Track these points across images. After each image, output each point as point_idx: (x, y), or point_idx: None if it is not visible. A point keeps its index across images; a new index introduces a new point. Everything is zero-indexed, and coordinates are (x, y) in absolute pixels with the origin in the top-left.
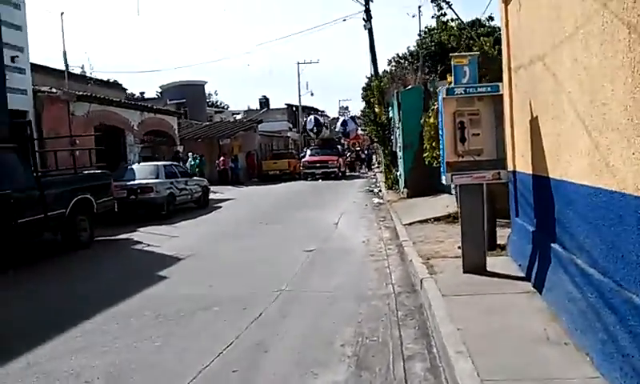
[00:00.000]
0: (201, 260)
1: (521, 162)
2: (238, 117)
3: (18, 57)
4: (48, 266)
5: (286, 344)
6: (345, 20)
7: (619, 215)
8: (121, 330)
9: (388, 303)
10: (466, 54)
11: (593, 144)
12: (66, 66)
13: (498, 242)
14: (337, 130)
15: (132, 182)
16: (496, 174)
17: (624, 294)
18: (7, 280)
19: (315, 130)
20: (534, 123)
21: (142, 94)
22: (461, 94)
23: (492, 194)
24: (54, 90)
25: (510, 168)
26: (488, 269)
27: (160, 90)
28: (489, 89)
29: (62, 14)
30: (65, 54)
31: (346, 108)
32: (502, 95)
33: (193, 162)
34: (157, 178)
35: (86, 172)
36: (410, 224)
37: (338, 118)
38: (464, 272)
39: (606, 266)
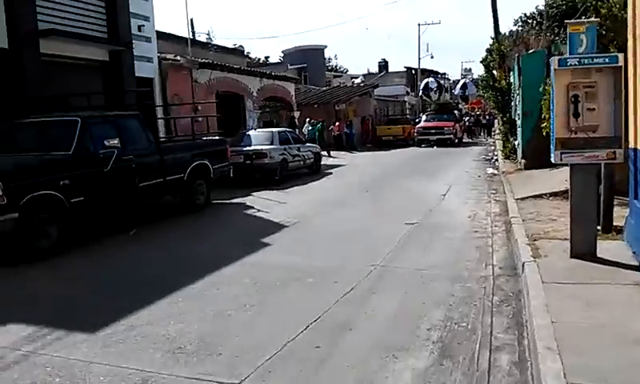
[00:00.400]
0: (303, 228)
1: None
2: (357, 81)
3: (144, 26)
4: (165, 228)
5: (371, 323)
6: None
7: None
8: (219, 296)
9: (484, 286)
10: (583, 20)
11: None
12: (193, 33)
13: (615, 224)
14: (456, 93)
15: (248, 148)
16: (611, 153)
17: None
18: (127, 240)
19: (435, 92)
20: None
21: (266, 58)
22: (574, 65)
23: (612, 170)
24: (178, 58)
25: (632, 144)
26: (599, 254)
27: (282, 55)
28: (606, 60)
29: None
30: (191, 21)
31: (469, 70)
32: (621, 67)
33: (310, 128)
34: (271, 144)
35: (204, 138)
36: (523, 199)
37: (459, 81)
38: (571, 257)
39: None
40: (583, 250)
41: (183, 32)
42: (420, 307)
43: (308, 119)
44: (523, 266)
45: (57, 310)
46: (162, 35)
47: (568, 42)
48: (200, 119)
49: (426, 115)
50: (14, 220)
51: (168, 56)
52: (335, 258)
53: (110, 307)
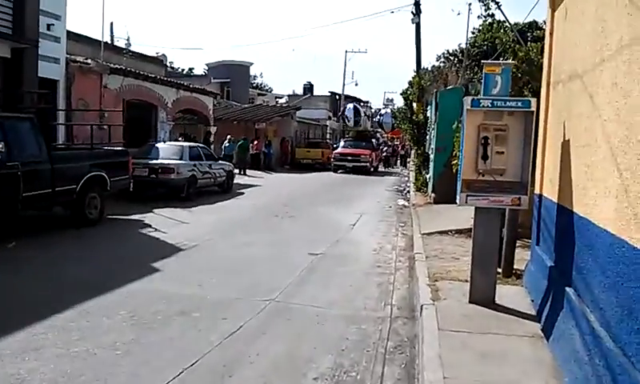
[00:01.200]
0: (201, 253)
1: (548, 187)
2: (281, 101)
3: (53, 24)
4: (49, 243)
5: (254, 369)
6: (392, 12)
7: None
8: (88, 329)
9: (380, 329)
10: (500, 61)
11: (623, 187)
12: (111, 37)
13: (516, 267)
14: (376, 121)
15: (154, 161)
16: (516, 199)
17: (634, 375)
18: (2, 253)
19: (354, 119)
20: (565, 148)
21: (190, 69)
22: (487, 106)
23: (516, 213)
24: (87, 61)
25: (537, 191)
26: (497, 300)
27: (207, 68)
28: (519, 104)
29: None
30: (111, 25)
31: (392, 100)
32: (533, 112)
33: (228, 144)
34: (180, 159)
35: (105, 148)
36: (429, 234)
37: (379, 110)
38: (470, 301)
39: (618, 333)
40: (482, 296)
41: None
42: (310, 352)
43: (229, 136)
44: (421, 309)
45: None
46: (75, 36)
47: (483, 82)
48: (105, 127)
49: (344, 141)
50: None
51: (78, 58)
52: (230, 289)
53: None
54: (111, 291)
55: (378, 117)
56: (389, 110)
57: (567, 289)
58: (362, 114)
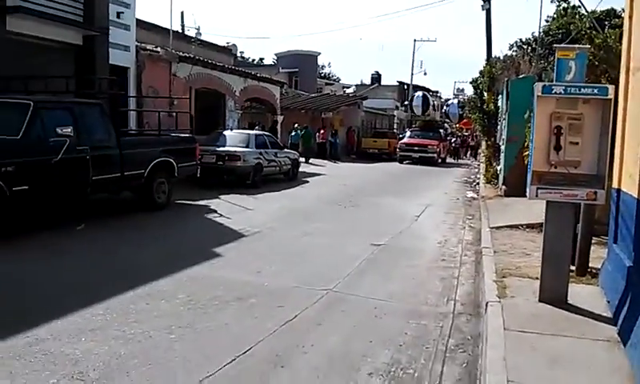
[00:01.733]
0: (263, 240)
1: (627, 181)
2: (349, 90)
3: (123, 12)
4: (116, 226)
5: (307, 360)
6: None
7: None
8: (146, 312)
9: (442, 325)
10: (574, 46)
11: None
12: (182, 27)
13: (591, 265)
14: (444, 111)
15: (221, 149)
16: (592, 193)
17: None
18: (70, 235)
19: (422, 108)
20: None
21: (261, 59)
22: (560, 93)
23: (591, 209)
24: (157, 49)
25: (615, 185)
26: (570, 300)
27: (275, 58)
28: (595, 91)
29: None
30: (181, 14)
31: (462, 90)
32: (611, 100)
33: (294, 133)
34: (246, 146)
35: (172, 135)
36: (499, 228)
37: (448, 100)
38: (540, 300)
39: None
40: (553, 295)
41: (175, 25)
42: (366, 346)
43: (296, 124)
44: (486, 306)
45: None
46: (145, 25)
47: (555, 68)
48: (173, 115)
49: (410, 131)
50: None
51: (147, 46)
52: (288, 277)
53: (19, 315)
54: (172, 275)
55: (445, 107)
56: (455, 101)
57: None
58: (431, 104)
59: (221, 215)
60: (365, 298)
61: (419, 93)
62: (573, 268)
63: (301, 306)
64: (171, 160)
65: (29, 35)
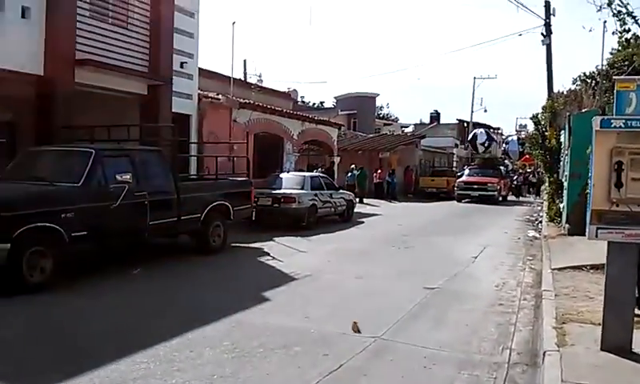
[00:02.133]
0: (313, 283)
1: None
2: (407, 129)
3: (187, 63)
4: (171, 270)
5: None
6: (521, 34)
7: None
8: (189, 360)
9: (495, 377)
10: (634, 77)
11: None
12: (245, 74)
13: None
14: (504, 148)
15: (277, 191)
16: None
17: None
18: (126, 279)
19: (483, 146)
20: None
21: (321, 103)
22: (620, 127)
23: None
24: (218, 97)
25: None
26: (635, 348)
27: (335, 100)
28: None
29: (233, 23)
30: (244, 62)
31: (525, 126)
32: None
33: (350, 174)
34: (302, 188)
35: (229, 178)
36: (561, 269)
37: (508, 137)
38: (602, 349)
39: None
40: (617, 343)
41: (237, 73)
42: None
43: (353, 165)
44: (544, 355)
45: None
46: (207, 73)
47: (615, 101)
48: (232, 159)
49: (469, 169)
50: (6, 251)
51: (209, 94)
52: (336, 323)
53: (63, 360)
54: (219, 321)
55: (504, 145)
56: (515, 138)
57: None
58: (494, 140)
59: (273, 258)
60: (415, 346)
61: (481, 130)
62: (638, 312)
63: (347, 354)
64: (227, 203)
65: (96, 86)
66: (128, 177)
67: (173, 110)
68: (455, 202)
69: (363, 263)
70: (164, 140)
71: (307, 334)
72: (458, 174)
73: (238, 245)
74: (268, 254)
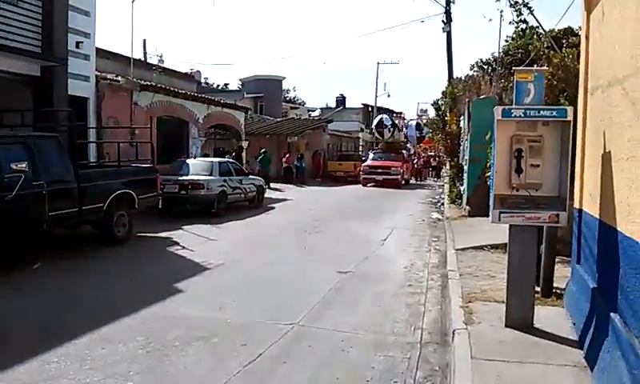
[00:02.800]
0: (225, 272)
1: (588, 201)
2: (314, 114)
3: (82, 42)
4: (74, 263)
5: None
6: (423, 21)
7: None
8: (102, 358)
9: (409, 356)
10: (532, 68)
11: None
12: (145, 55)
13: (556, 286)
14: (406, 133)
15: (184, 177)
16: (554, 216)
17: None
18: (26, 275)
19: (389, 130)
20: (606, 160)
21: (225, 85)
22: (520, 116)
23: (554, 230)
24: (117, 78)
25: (577, 205)
26: (536, 324)
27: (240, 83)
28: (554, 113)
29: (132, 1)
30: (144, 42)
31: (425, 111)
32: (570, 121)
33: (262, 157)
34: (210, 174)
35: (132, 165)
36: (464, 249)
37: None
38: (506, 325)
39: None
40: (519, 319)
41: (137, 53)
42: (332, 383)
43: (263, 149)
44: (453, 334)
45: None
46: (106, 54)
47: (514, 91)
48: (134, 144)
49: (373, 153)
50: None
51: (108, 76)
52: (253, 311)
53: None
54: (131, 315)
55: (404, 129)
56: (413, 123)
57: (612, 314)
58: (396, 126)
59: (183, 247)
60: (331, 330)
61: (386, 115)
62: (538, 289)
63: (265, 342)
64: (131, 192)
65: None
66: (24, 166)
67: (69, 93)
68: (361, 185)
69: (275, 250)
70: (60, 125)
71: (224, 324)
72: (363, 158)
73: (144, 234)
74: (177, 244)
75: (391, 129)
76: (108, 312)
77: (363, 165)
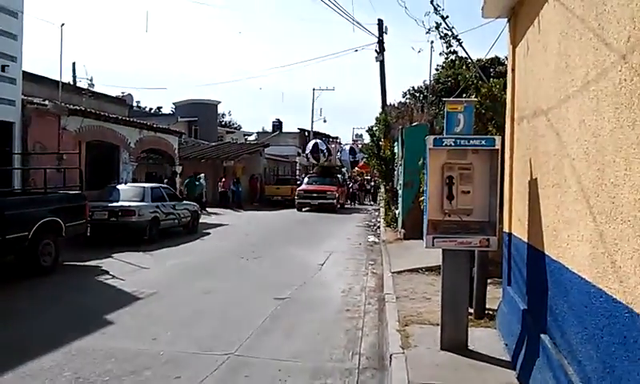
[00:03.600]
0: (158, 302)
1: (517, 225)
2: (251, 138)
3: (9, 66)
4: None
5: None
6: (357, 50)
7: (623, 335)
8: None
9: (347, 383)
10: (462, 99)
11: (597, 231)
12: (74, 78)
13: (488, 307)
14: (341, 157)
15: (114, 204)
16: (484, 240)
17: None
18: None
19: (324, 155)
20: (533, 186)
21: (158, 108)
22: (450, 145)
23: (486, 253)
24: (45, 103)
25: (506, 229)
26: (470, 346)
27: (174, 107)
28: (483, 142)
29: (62, 25)
30: (73, 65)
31: (360, 135)
32: (498, 150)
33: (197, 183)
34: (142, 200)
35: (59, 192)
36: (400, 272)
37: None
38: (442, 348)
39: None
40: (454, 342)
41: (66, 77)
42: None
43: (203, 174)
44: (390, 358)
45: None
46: (34, 78)
47: (445, 121)
48: (62, 170)
49: (308, 178)
50: None
51: (35, 100)
52: (186, 343)
53: None
54: (57, 349)
55: (338, 153)
56: (347, 148)
57: (542, 336)
58: (327, 150)
59: (113, 276)
60: (268, 359)
61: (320, 140)
62: (471, 311)
63: (200, 375)
64: (58, 219)
65: None
66: None
67: None
68: (296, 210)
69: (211, 277)
70: None
71: (156, 356)
72: (298, 182)
73: (72, 263)
74: (107, 273)
75: (326, 153)
76: (33, 346)
77: (298, 189)
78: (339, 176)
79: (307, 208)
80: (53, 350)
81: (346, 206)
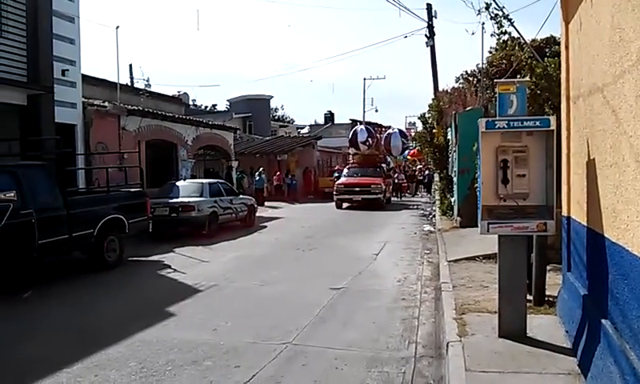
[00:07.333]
0: (218, 294)
1: (576, 208)
2: (303, 131)
3: (68, 70)
4: (65, 290)
5: None
6: (406, 37)
7: None
8: None
9: (404, 371)
10: (514, 80)
11: None
12: (131, 79)
13: (548, 294)
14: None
15: (174, 200)
16: (542, 224)
17: None
18: (16, 304)
19: (368, 143)
20: (591, 167)
21: (214, 106)
22: (503, 128)
23: (544, 238)
24: (104, 104)
25: (565, 213)
26: (529, 333)
27: (228, 104)
28: (538, 123)
29: (117, 28)
30: (130, 67)
31: (414, 124)
32: (553, 131)
33: (257, 178)
34: (200, 196)
35: (122, 190)
36: (456, 261)
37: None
38: (500, 336)
39: None
40: (512, 329)
41: (124, 79)
42: None
43: (262, 168)
44: (447, 346)
45: None
46: (93, 80)
47: (497, 103)
48: (123, 169)
49: (348, 169)
50: None
51: (95, 102)
52: (246, 332)
53: None
54: (124, 341)
55: (385, 137)
56: (397, 130)
57: (603, 321)
58: (375, 137)
59: (175, 270)
60: (325, 348)
61: (361, 126)
62: (530, 298)
63: (259, 363)
64: (121, 216)
65: None
66: (12, 194)
67: (56, 121)
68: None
69: (268, 269)
70: (48, 153)
71: (217, 346)
72: (336, 175)
73: (136, 259)
74: (169, 267)
75: (368, 142)
76: (99, 338)
77: (337, 183)
78: (383, 166)
79: (347, 205)
80: (118, 341)
81: (392, 200)
